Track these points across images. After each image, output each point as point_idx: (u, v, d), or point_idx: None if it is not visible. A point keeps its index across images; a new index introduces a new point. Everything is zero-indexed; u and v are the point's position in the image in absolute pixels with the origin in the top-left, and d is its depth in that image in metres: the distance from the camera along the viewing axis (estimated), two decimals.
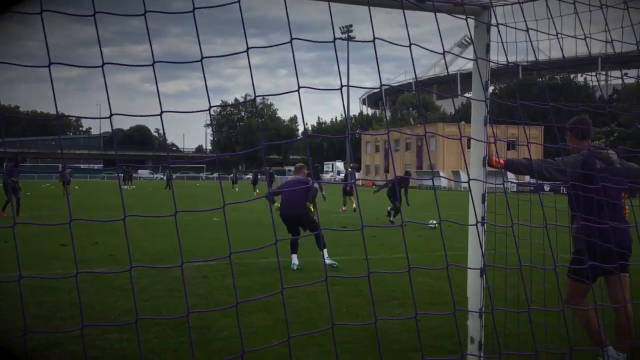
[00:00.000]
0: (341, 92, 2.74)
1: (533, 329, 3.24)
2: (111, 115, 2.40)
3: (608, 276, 4.45)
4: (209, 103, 2.58)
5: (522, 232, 3.66)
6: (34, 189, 36.87)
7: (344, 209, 22.38)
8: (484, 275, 4.34)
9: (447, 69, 3.54)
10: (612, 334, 4.58)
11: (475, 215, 3.92)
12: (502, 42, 3.94)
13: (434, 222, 8.73)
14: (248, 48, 2.49)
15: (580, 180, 4.36)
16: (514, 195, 4.45)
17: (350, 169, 23.90)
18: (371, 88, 2.75)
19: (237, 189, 41.94)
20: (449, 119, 77.48)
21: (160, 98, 2.50)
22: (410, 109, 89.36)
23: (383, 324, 5.83)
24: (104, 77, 2.37)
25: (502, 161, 4.37)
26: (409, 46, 2.88)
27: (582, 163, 4.47)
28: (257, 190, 37.46)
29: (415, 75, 2.99)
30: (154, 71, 2.42)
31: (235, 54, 2.59)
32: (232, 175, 48.49)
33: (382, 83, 2.97)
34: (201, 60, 2.54)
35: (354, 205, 21.88)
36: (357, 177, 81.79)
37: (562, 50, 4.03)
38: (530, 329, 3.38)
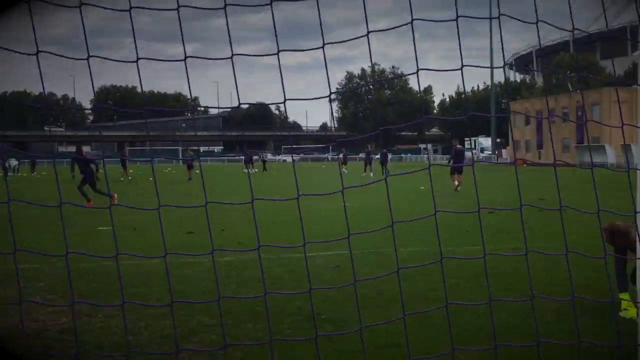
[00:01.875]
0: (458, 34, 2.71)
1: None
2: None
3: None
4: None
5: None
6: (156, 174, 39.35)
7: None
8: None
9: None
10: None
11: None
12: None
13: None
14: None
15: None
16: None
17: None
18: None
19: (346, 170, 41.91)
20: (618, 81, 72.34)
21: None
22: (568, 72, 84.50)
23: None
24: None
25: None
26: None
27: None
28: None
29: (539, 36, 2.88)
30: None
31: None
32: (341, 154, 51.50)
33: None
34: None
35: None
36: (504, 154, 79.67)
37: None
38: None
